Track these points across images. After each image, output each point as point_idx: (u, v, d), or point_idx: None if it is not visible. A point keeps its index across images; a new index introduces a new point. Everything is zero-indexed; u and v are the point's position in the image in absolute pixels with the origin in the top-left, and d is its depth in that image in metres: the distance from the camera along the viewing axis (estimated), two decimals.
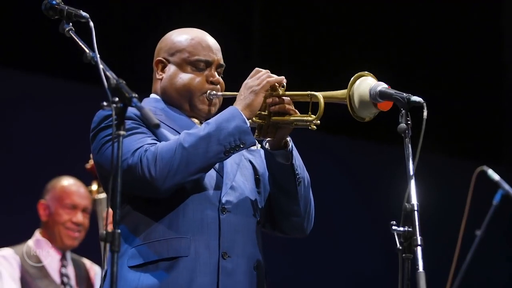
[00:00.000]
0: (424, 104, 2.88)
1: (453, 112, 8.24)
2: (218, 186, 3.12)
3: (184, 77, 3.24)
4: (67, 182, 5.19)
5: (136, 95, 2.66)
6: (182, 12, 7.11)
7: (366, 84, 3.02)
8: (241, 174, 3.20)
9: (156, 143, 3.04)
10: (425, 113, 2.86)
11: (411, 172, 2.83)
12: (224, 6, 7.42)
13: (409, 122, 2.90)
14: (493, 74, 8.56)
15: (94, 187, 5.13)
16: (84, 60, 2.85)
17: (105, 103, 2.65)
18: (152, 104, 3.25)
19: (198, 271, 3.03)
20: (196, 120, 3.25)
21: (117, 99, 2.66)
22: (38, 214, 5.15)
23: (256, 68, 3.14)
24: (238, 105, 3.07)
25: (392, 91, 2.97)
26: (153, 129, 3.04)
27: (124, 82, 2.69)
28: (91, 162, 5.13)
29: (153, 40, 3.35)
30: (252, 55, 7.50)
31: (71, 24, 2.97)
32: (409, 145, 2.88)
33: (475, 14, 8.36)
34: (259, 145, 3.26)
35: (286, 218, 3.25)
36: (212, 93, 3.22)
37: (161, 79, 3.27)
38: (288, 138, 3.15)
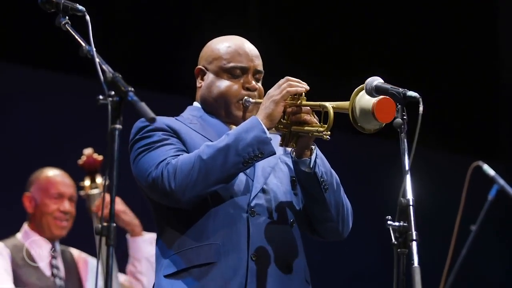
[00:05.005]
0: (420, 99, 2.88)
1: (449, 107, 8.24)
2: (248, 190, 3.15)
3: (221, 84, 3.28)
4: (51, 172, 5.18)
5: (132, 89, 2.66)
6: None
7: (369, 96, 3.01)
8: (274, 177, 3.22)
9: (179, 155, 3.09)
10: (421, 108, 2.86)
11: (407, 167, 2.83)
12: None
13: (405, 117, 2.90)
14: (489, 69, 8.56)
15: (87, 182, 5.13)
16: (80, 53, 2.85)
17: (101, 97, 2.65)
18: (191, 112, 3.32)
19: (227, 276, 3.06)
20: (234, 127, 3.24)
21: (113, 92, 2.65)
22: (24, 207, 5.14)
23: (285, 78, 3.14)
24: (259, 115, 3.09)
25: (387, 86, 2.96)
26: (183, 138, 3.15)
27: (120, 75, 2.69)
28: (84, 157, 5.14)
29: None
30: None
31: (67, 17, 2.97)
32: (405, 140, 2.88)
33: (472, 11, 8.36)
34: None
35: (321, 223, 3.26)
36: (248, 100, 3.25)
37: (200, 87, 3.33)
38: (313, 146, 3.16)
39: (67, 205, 5.10)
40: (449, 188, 6.63)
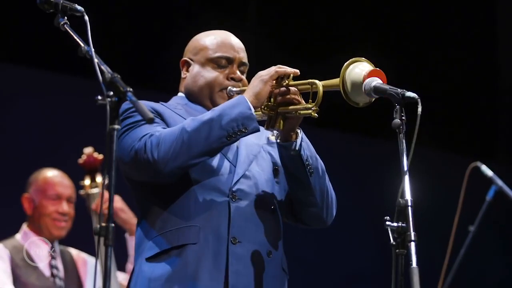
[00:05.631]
0: (419, 100, 2.88)
1: (447, 107, 8.24)
2: (230, 175, 3.18)
3: (206, 74, 3.32)
4: (49, 173, 5.18)
5: (131, 89, 2.66)
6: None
7: (359, 69, 3.03)
8: (257, 165, 3.25)
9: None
10: (419, 109, 2.86)
11: (405, 168, 2.84)
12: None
13: (403, 117, 2.90)
14: (488, 70, 8.57)
15: (87, 181, 5.13)
16: (79, 54, 2.86)
17: (99, 97, 2.65)
18: (176, 100, 3.37)
19: (205, 257, 3.08)
20: None
21: (111, 93, 2.66)
22: (23, 208, 5.15)
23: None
24: (246, 94, 3.12)
25: (386, 86, 2.97)
26: (167, 121, 3.18)
27: (119, 76, 2.69)
28: (84, 157, 5.14)
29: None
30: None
31: (66, 18, 2.98)
32: (403, 141, 2.88)
33: (471, 11, 8.36)
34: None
35: (304, 209, 3.29)
36: (232, 89, 3.29)
37: (185, 78, 3.38)
38: (299, 130, 3.19)
39: (65, 206, 5.11)
40: (447, 188, 6.63)
